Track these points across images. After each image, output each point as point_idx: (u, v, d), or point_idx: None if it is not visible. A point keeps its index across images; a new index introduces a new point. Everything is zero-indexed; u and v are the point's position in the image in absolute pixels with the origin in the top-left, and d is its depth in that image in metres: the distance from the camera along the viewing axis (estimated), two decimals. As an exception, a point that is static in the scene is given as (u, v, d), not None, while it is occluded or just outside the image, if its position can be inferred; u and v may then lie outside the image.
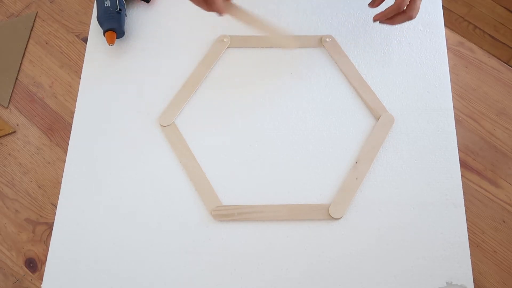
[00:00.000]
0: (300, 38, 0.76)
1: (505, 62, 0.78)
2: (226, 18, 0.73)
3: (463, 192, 0.66)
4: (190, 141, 0.70)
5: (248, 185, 0.67)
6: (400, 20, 0.67)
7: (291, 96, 0.73)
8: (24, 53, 0.79)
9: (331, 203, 0.64)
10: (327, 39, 0.75)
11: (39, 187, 0.69)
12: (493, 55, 0.77)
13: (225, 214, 0.65)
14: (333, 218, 0.64)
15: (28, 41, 0.80)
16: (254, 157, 0.69)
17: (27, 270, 0.65)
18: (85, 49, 0.78)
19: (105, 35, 0.74)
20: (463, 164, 0.69)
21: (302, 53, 0.76)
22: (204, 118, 0.72)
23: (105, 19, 0.74)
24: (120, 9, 0.75)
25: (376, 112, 0.70)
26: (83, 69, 0.75)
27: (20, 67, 0.78)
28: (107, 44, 0.75)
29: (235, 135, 0.70)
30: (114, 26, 0.74)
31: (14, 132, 0.73)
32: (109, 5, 0.75)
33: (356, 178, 0.66)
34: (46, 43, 0.80)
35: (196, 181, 0.67)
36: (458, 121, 0.71)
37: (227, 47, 0.76)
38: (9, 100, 0.76)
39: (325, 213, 0.64)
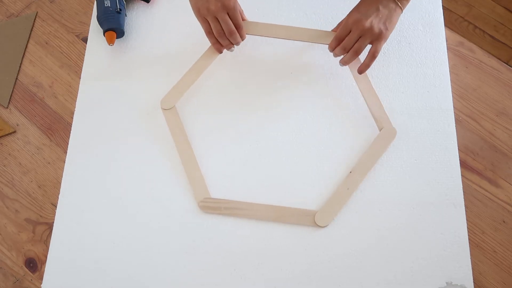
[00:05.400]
0: (315, 32, 0.72)
1: (505, 62, 0.78)
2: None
3: (463, 192, 0.66)
4: (190, 132, 0.70)
5: (240, 182, 0.67)
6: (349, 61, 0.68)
7: (294, 96, 0.73)
8: (24, 53, 0.79)
9: (318, 211, 0.64)
10: None
11: (39, 187, 0.69)
12: (493, 55, 0.77)
13: (212, 206, 0.65)
14: (318, 226, 0.63)
15: (28, 41, 0.80)
16: (250, 155, 0.69)
17: (27, 270, 0.65)
18: (85, 49, 0.78)
19: (105, 35, 0.74)
20: (463, 164, 0.68)
21: (310, 55, 0.75)
22: (207, 113, 0.72)
23: (105, 19, 0.74)
24: (120, 9, 0.75)
25: (380, 123, 0.69)
26: (83, 69, 0.75)
27: (20, 67, 0.78)
28: (107, 44, 0.75)
29: (235, 131, 0.70)
30: (114, 26, 0.74)
31: (14, 132, 0.73)
32: (109, 5, 0.75)
33: (348, 188, 0.65)
34: (46, 43, 0.80)
35: (188, 170, 0.67)
36: (458, 121, 0.71)
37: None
38: (9, 100, 0.76)
39: (311, 220, 0.64)
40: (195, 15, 0.68)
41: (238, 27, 0.68)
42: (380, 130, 0.69)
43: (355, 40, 0.65)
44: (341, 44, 0.67)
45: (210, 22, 0.67)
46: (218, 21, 0.67)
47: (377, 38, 0.65)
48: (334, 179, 0.67)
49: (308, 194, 0.66)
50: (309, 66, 0.75)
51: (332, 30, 0.73)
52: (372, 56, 0.66)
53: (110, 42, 0.73)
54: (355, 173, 0.66)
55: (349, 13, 0.67)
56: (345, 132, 0.70)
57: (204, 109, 0.72)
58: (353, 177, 0.66)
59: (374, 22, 0.64)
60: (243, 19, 0.71)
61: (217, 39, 0.70)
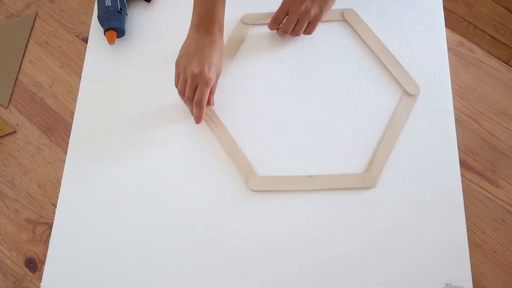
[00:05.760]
0: None
1: (505, 62, 0.78)
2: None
3: (463, 192, 0.66)
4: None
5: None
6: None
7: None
8: (24, 53, 0.79)
9: (364, 172, 0.66)
10: (349, 13, 0.77)
11: (39, 187, 0.69)
12: (493, 55, 0.77)
13: (261, 184, 0.66)
14: (368, 187, 0.65)
15: (28, 41, 0.80)
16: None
17: (27, 270, 0.65)
18: (85, 49, 0.78)
19: (106, 34, 0.74)
20: (463, 164, 0.68)
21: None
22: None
23: (106, 19, 0.74)
24: (120, 9, 0.75)
25: (403, 83, 0.72)
26: (83, 69, 0.76)
27: (20, 67, 0.78)
28: (107, 43, 0.75)
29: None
30: (114, 25, 0.74)
31: (14, 132, 0.73)
32: (110, 4, 0.75)
33: (388, 146, 0.68)
34: (46, 43, 0.80)
35: (231, 153, 0.68)
36: (458, 121, 0.71)
37: (252, 25, 0.78)
38: (9, 100, 0.76)
39: (361, 181, 0.66)
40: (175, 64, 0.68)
41: (197, 103, 0.66)
42: (404, 91, 0.72)
43: (294, 22, 0.72)
44: (282, 28, 0.73)
45: (181, 80, 0.67)
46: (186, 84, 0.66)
47: (313, 20, 0.72)
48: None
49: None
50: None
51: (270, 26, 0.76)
52: (308, 33, 0.74)
53: (111, 41, 0.73)
54: (390, 129, 0.69)
55: None
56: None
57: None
58: (389, 133, 0.68)
59: (309, 5, 0.70)
60: (209, 102, 0.70)
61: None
